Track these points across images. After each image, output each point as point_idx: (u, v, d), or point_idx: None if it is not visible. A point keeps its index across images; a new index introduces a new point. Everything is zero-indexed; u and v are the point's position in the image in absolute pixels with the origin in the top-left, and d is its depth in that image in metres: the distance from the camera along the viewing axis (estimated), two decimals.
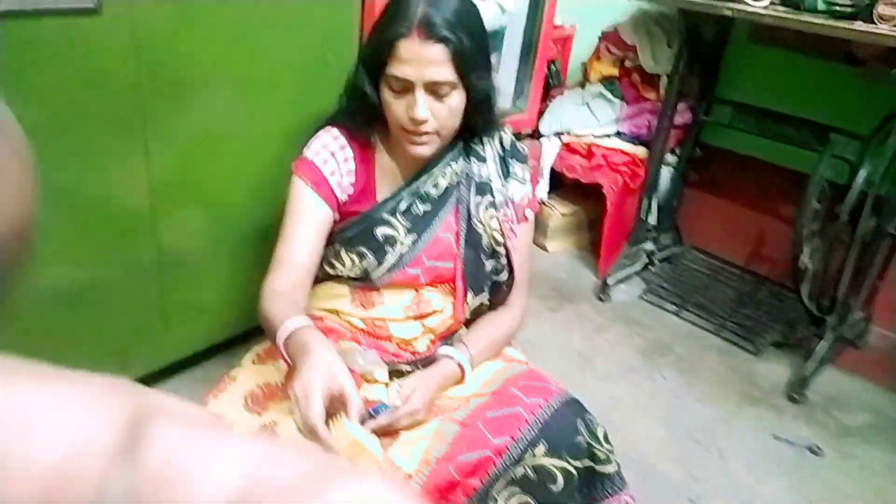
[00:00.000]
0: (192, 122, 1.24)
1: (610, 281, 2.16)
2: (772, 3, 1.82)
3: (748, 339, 1.99)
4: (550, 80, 2.75)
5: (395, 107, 1.12)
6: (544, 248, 2.43)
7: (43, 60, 0.98)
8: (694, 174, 2.42)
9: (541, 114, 2.43)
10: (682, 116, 2.19)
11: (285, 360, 1.03)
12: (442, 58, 1.08)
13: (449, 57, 1.08)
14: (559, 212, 2.40)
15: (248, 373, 1.22)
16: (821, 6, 1.74)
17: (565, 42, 2.75)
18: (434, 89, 1.10)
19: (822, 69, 1.96)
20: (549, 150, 2.33)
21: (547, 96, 2.60)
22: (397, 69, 1.08)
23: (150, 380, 1.40)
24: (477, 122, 1.22)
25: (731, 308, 2.11)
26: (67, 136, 1.07)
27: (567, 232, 2.46)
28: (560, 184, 2.46)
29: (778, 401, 1.75)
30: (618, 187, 2.19)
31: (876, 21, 1.62)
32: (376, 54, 1.11)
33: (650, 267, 2.32)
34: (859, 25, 1.62)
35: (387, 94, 1.13)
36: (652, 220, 2.30)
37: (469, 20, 1.13)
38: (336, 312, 1.29)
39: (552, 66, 2.76)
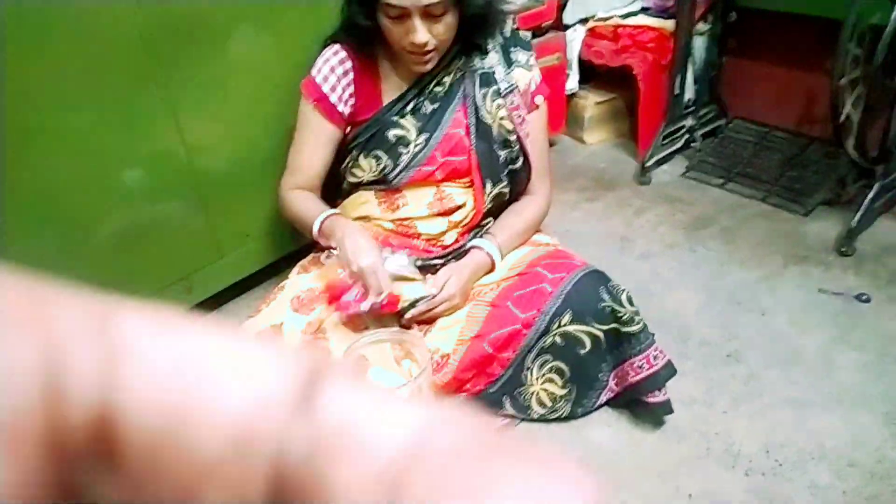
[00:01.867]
0: (206, 61, 1.33)
1: (649, 163, 2.14)
2: None
3: (796, 200, 1.94)
4: None
5: (395, 32, 1.18)
6: (582, 141, 2.42)
7: (50, 26, 1.08)
8: (732, 41, 2.31)
9: (563, 5, 2.37)
10: None
11: (317, 244, 1.29)
12: None
13: None
14: (593, 101, 2.36)
15: (295, 282, 1.35)
16: None
17: None
18: (429, 12, 1.14)
19: None
20: (575, 40, 2.28)
21: None
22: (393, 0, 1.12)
23: (214, 301, 1.55)
24: (474, 33, 1.26)
25: (779, 173, 2.06)
26: (90, 99, 1.18)
27: (604, 121, 2.43)
28: (593, 74, 2.41)
29: (827, 257, 1.73)
30: (647, 66, 2.13)
31: None
32: None
33: (692, 144, 2.27)
34: None
35: (385, 21, 1.18)
36: (689, 94, 2.23)
37: None
38: (367, 218, 1.38)
39: None
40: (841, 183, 1.94)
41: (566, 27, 2.34)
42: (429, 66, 1.23)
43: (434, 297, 1.25)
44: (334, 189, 1.40)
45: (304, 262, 1.42)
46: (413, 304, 1.26)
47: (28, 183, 1.14)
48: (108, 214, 1.29)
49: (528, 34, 1.38)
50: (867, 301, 1.56)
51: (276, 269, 1.64)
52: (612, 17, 2.23)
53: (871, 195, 1.74)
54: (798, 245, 1.79)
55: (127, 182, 1.30)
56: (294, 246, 1.63)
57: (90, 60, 1.15)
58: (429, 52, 1.19)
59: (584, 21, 2.31)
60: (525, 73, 1.33)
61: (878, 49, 1.63)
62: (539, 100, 1.35)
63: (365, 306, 1.14)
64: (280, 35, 1.42)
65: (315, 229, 1.25)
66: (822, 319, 1.52)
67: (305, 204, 1.31)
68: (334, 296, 1.19)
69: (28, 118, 1.10)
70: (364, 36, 1.24)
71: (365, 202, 1.36)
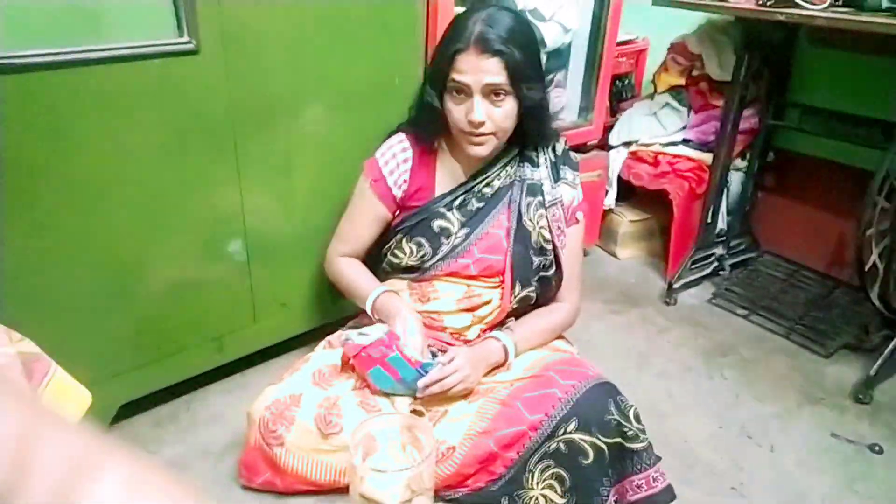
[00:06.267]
0: (278, 140, 1.47)
1: (676, 284, 2.20)
2: (832, 5, 1.82)
3: (818, 341, 1.96)
4: (624, 93, 2.84)
5: (456, 112, 1.31)
6: (614, 255, 2.50)
7: (148, 96, 1.23)
8: (770, 178, 2.41)
9: (611, 126, 2.52)
10: (750, 122, 2.21)
11: (372, 318, 1.41)
12: (496, 68, 1.25)
13: (502, 67, 1.25)
14: (628, 219, 2.47)
15: (319, 356, 1.43)
16: (885, 4, 1.73)
17: (639, 56, 2.82)
18: (489, 94, 1.27)
19: (886, 67, 1.93)
20: (617, 161, 2.41)
21: (619, 108, 2.69)
22: (458, 77, 1.26)
23: (240, 364, 1.64)
24: (529, 129, 1.37)
25: (804, 311, 2.09)
26: (170, 160, 1.32)
27: (637, 239, 2.52)
28: (631, 193, 2.52)
29: (842, 401, 1.73)
30: (684, 193, 2.23)
31: None
32: (439, 68, 1.30)
33: (721, 272, 2.33)
34: None
35: (449, 102, 1.31)
36: (722, 224, 2.31)
37: (522, 37, 1.29)
38: None
39: (625, 80, 2.84)
40: (864, 329, 1.96)
41: (610, 147, 2.49)
42: (482, 150, 1.33)
43: (444, 366, 1.28)
44: (373, 270, 1.49)
45: (331, 337, 1.51)
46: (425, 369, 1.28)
47: (97, 226, 1.26)
48: (157, 265, 1.40)
49: (578, 156, 1.49)
50: (880, 452, 1.55)
51: (305, 340, 1.72)
52: (653, 144, 2.36)
53: (892, 346, 1.75)
54: (816, 386, 1.80)
55: (182, 238, 1.42)
56: (326, 320, 1.72)
57: (177, 122, 1.30)
58: (485, 134, 1.31)
59: (626, 144, 2.45)
60: (570, 191, 1.44)
61: None
62: (579, 215, 1.45)
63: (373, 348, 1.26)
64: (349, 121, 1.56)
65: (369, 304, 1.39)
66: (832, 465, 1.51)
67: (359, 276, 1.46)
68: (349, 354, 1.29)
69: (109, 167, 1.23)
70: (430, 124, 1.37)
71: (399, 291, 1.45)
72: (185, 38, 1.23)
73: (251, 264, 1.53)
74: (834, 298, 2.14)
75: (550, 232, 1.42)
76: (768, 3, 1.83)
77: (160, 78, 1.23)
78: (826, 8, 1.81)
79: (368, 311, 1.39)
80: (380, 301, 1.38)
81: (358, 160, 1.46)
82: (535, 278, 1.44)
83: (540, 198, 1.42)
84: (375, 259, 1.49)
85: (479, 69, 1.25)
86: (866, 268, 1.81)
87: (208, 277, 1.49)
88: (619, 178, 2.42)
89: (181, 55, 1.23)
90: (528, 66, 1.29)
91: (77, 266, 1.26)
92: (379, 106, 1.57)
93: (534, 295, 1.45)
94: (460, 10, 1.80)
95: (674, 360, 1.89)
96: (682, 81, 2.38)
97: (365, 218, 1.44)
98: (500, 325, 1.47)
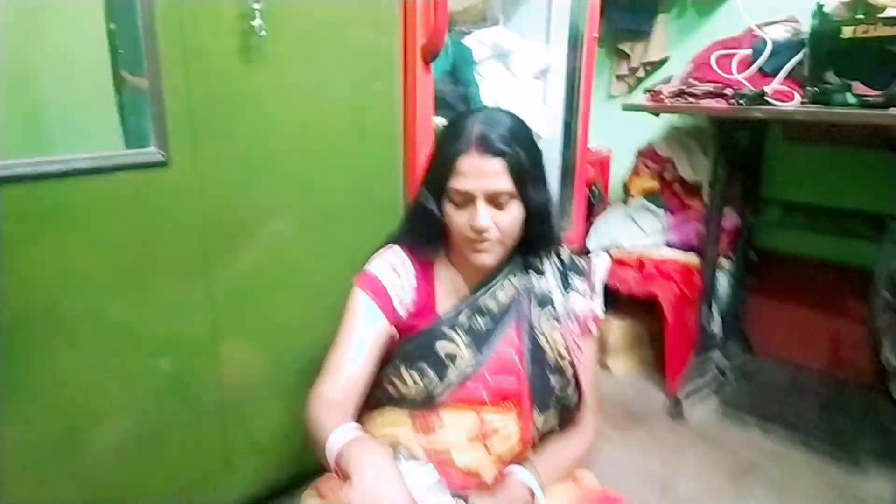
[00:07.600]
0: (252, 260, 1.30)
1: (681, 396, 2.04)
2: (802, 103, 1.85)
3: (843, 450, 1.81)
4: (593, 201, 2.82)
5: (458, 219, 1.15)
6: (607, 367, 2.35)
7: (115, 211, 1.06)
8: (753, 279, 2.35)
9: (586, 233, 2.46)
10: (731, 220, 2.18)
11: (337, 474, 0.95)
12: (500, 170, 1.12)
13: (506, 169, 1.12)
14: (616, 326, 2.34)
15: None
16: (851, 100, 1.76)
17: (603, 164, 2.84)
18: (494, 199, 1.13)
19: (866, 159, 1.95)
20: (600, 267, 2.32)
21: (590, 217, 2.65)
22: (458, 183, 1.12)
23: None
24: (535, 234, 1.23)
25: (819, 418, 1.95)
26: (134, 281, 1.13)
27: (629, 349, 2.38)
28: (615, 300, 2.42)
29: None
30: (674, 297, 2.14)
31: None
32: (438, 172, 1.16)
33: (723, 380, 2.20)
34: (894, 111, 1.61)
35: (449, 209, 1.16)
36: (716, 329, 2.21)
37: (522, 136, 1.17)
38: (394, 441, 1.24)
39: (593, 188, 2.83)
40: (886, 432, 1.83)
41: (587, 252, 2.40)
42: (488, 259, 1.17)
43: None
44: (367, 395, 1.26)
45: (318, 483, 1.26)
46: None
47: (41, 368, 1.05)
48: (113, 411, 1.17)
49: (584, 262, 1.36)
50: None
51: (288, 490, 1.45)
52: (635, 249, 2.29)
53: None
54: (856, 502, 1.62)
55: (143, 377, 1.20)
56: (312, 467, 1.46)
57: (143, 242, 1.12)
58: (489, 241, 1.16)
59: (606, 250, 2.38)
60: (582, 300, 1.29)
61: None
62: (593, 327, 1.30)
63: None
64: (329, 235, 1.41)
65: (331, 460, 0.96)
66: None
67: (328, 417, 1.05)
68: None
69: (58, 295, 1.04)
70: (428, 233, 1.21)
71: (398, 422, 1.23)
72: (154, 149, 1.09)
73: (223, 404, 1.30)
74: (846, 400, 2.03)
75: (567, 348, 1.26)
76: (741, 103, 1.85)
77: (125, 193, 1.06)
78: (798, 105, 1.84)
79: (331, 466, 0.96)
80: (343, 456, 0.94)
81: (340, 278, 1.29)
82: (554, 402, 1.26)
83: (552, 309, 1.27)
84: (370, 392, 1.27)
85: (481, 173, 1.13)
86: (884, 367, 1.71)
87: (174, 421, 1.25)
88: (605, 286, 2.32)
89: (149, 167, 1.08)
90: (532, 167, 1.19)
91: (15, 416, 1.03)
92: (360, 218, 1.44)
93: (556, 424, 1.27)
94: (438, 118, 1.75)
95: (699, 485, 1.70)
96: (656, 185, 2.36)
97: (360, 343, 1.17)
98: (518, 461, 1.26)
